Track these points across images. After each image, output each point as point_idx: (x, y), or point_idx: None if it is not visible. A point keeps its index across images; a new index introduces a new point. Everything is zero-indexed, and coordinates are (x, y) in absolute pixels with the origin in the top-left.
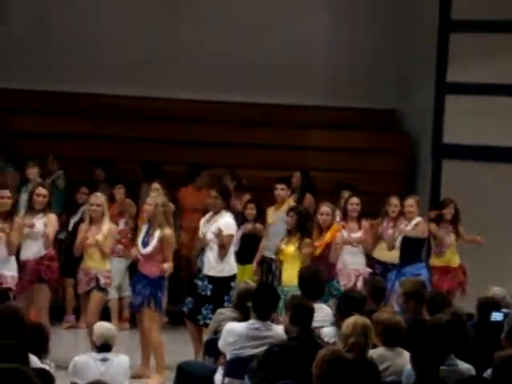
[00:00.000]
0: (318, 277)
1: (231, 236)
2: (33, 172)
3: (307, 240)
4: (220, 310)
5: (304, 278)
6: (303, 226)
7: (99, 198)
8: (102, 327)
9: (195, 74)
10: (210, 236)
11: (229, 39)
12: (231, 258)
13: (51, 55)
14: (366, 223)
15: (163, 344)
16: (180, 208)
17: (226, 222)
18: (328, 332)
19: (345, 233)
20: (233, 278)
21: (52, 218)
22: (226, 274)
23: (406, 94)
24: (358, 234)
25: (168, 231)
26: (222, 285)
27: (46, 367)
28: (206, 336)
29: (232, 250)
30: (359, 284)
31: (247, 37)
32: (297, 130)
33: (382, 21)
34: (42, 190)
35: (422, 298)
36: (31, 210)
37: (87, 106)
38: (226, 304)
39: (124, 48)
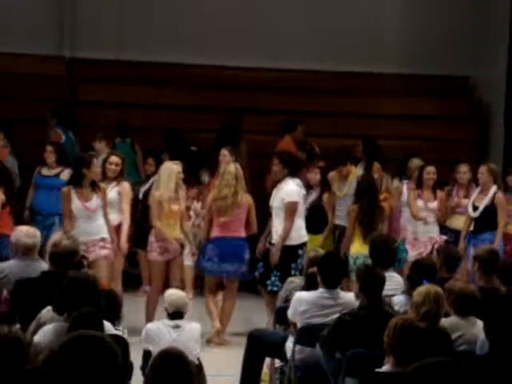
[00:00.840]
0: (389, 245)
1: (293, 203)
2: (100, 145)
3: (352, 206)
4: (291, 279)
5: (375, 246)
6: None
7: (180, 165)
8: (174, 295)
9: (268, 42)
10: (276, 204)
11: (301, 8)
12: (299, 225)
13: (117, 25)
14: (441, 193)
15: (211, 303)
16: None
17: (288, 189)
18: (399, 300)
19: (420, 202)
20: (301, 246)
21: (126, 186)
22: (293, 242)
23: (479, 61)
24: (434, 204)
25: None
26: (289, 253)
27: (119, 333)
28: (277, 304)
29: (300, 217)
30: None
31: (321, 5)
32: (369, 98)
33: None
34: (114, 159)
35: (491, 266)
36: (104, 178)
37: (155, 75)
38: (293, 272)
39: (200, 17)
